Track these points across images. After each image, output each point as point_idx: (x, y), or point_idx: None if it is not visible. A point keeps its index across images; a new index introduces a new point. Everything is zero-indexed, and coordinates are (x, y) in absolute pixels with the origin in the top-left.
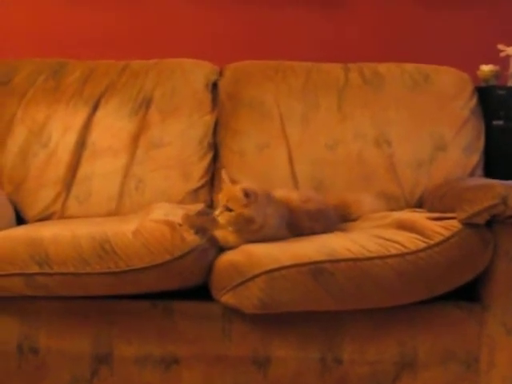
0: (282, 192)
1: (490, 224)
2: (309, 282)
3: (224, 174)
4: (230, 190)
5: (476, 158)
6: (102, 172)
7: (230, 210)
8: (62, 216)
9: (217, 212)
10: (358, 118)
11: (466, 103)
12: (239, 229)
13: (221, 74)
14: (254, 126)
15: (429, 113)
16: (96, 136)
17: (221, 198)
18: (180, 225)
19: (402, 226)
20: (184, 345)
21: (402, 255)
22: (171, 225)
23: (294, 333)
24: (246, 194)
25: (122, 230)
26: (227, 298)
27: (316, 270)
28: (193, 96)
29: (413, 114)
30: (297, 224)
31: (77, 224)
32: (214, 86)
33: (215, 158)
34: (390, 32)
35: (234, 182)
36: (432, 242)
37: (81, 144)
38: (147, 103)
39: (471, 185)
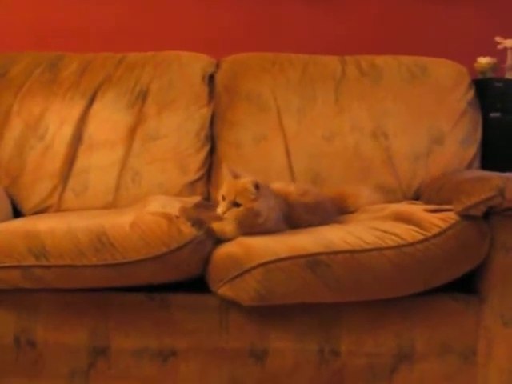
0: (279, 185)
1: (487, 216)
2: (306, 273)
3: (226, 169)
4: (237, 185)
5: (473, 150)
6: (99, 165)
7: (237, 206)
8: (59, 209)
9: (222, 208)
10: (355, 110)
11: (463, 95)
12: (244, 223)
13: (217, 66)
14: (250, 118)
15: (426, 105)
16: (92, 129)
17: (226, 194)
18: (177, 217)
19: (400, 218)
20: (181, 337)
21: (399, 247)
22: (168, 217)
23: (291, 325)
24: (257, 187)
25: (119, 222)
26: (224, 291)
27: (313, 261)
28: (189, 88)
29: (410, 106)
30: (294, 217)
31: (73, 216)
32: (211, 79)
33: (212, 151)
34: (387, 24)
35: (236, 176)
36: (429, 234)
37: (77, 137)
38: (144, 96)
39: (468, 177)
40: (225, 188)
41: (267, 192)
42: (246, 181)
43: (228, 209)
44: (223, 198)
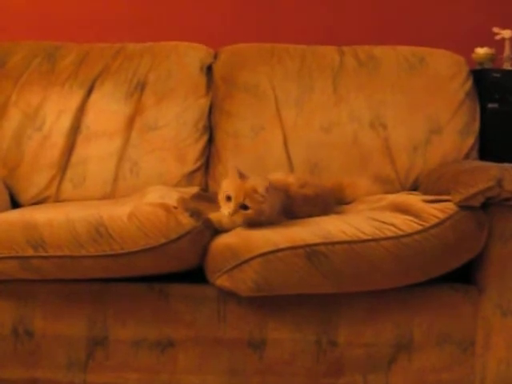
0: (278, 176)
1: (485, 206)
2: (304, 264)
3: (232, 169)
4: (246, 187)
5: (471, 140)
6: (97, 155)
7: (245, 208)
8: (57, 200)
9: (229, 211)
10: (353, 100)
11: (461, 86)
12: (248, 223)
13: (215, 56)
14: (248, 108)
15: (424, 95)
16: (91, 119)
17: (234, 195)
18: (175, 207)
19: (398, 209)
20: (179, 327)
21: (397, 238)
22: (166, 208)
23: (289, 315)
24: (267, 191)
25: (117, 213)
26: (222, 281)
27: (311, 252)
28: (188, 79)
29: (408, 96)
30: (293, 209)
31: (71, 207)
32: (209, 69)
33: (210, 141)
34: (385, 15)
35: (241, 176)
36: (427, 225)
37: (75, 127)
38: (142, 86)
39: (466, 167)
40: (232, 189)
41: (271, 189)
42: (257, 183)
43: (236, 211)
44: (228, 198)
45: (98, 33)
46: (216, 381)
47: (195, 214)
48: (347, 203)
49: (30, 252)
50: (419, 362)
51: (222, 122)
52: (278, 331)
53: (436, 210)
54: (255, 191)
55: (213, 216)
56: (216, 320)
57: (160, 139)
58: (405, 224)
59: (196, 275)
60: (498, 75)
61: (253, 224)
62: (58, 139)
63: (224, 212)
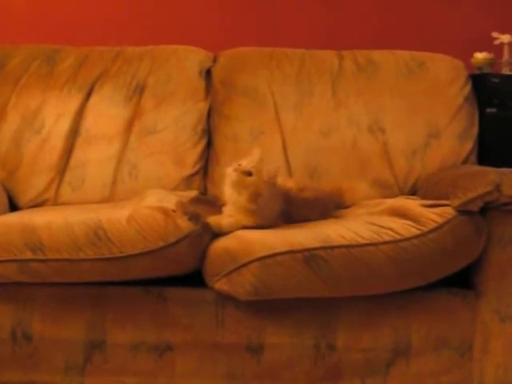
0: (277, 180)
1: (483, 211)
2: (302, 268)
3: (256, 151)
4: (260, 162)
5: (470, 145)
6: (96, 158)
7: (249, 175)
8: (56, 203)
9: (232, 168)
10: (352, 105)
11: (460, 90)
12: (240, 196)
13: (215, 60)
14: (247, 112)
15: (423, 100)
16: (90, 122)
17: (245, 163)
18: (173, 211)
19: (396, 213)
20: (177, 331)
21: (395, 242)
22: (165, 211)
23: (287, 319)
24: (275, 175)
25: (116, 216)
26: (221, 285)
27: (309, 256)
28: (187, 83)
29: (407, 101)
30: (292, 213)
31: (70, 210)
32: (208, 73)
33: (209, 145)
34: (384, 19)
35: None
36: (425, 229)
37: (74, 130)
38: (141, 90)
39: (465, 172)
40: (246, 160)
41: (274, 190)
42: (270, 169)
43: (237, 170)
44: (238, 166)
45: (97, 36)
46: None
47: (194, 217)
48: (346, 207)
49: (29, 255)
50: (417, 367)
51: (221, 125)
52: (276, 335)
53: (434, 215)
54: (266, 168)
55: (211, 220)
56: (214, 324)
57: (159, 143)
58: (403, 228)
59: (194, 279)
60: (497, 80)
61: (244, 208)
62: (57, 142)
63: (228, 169)
